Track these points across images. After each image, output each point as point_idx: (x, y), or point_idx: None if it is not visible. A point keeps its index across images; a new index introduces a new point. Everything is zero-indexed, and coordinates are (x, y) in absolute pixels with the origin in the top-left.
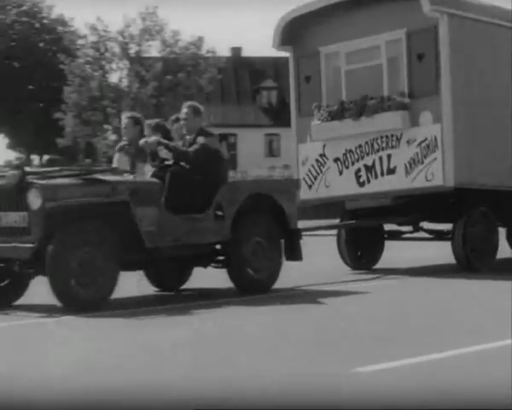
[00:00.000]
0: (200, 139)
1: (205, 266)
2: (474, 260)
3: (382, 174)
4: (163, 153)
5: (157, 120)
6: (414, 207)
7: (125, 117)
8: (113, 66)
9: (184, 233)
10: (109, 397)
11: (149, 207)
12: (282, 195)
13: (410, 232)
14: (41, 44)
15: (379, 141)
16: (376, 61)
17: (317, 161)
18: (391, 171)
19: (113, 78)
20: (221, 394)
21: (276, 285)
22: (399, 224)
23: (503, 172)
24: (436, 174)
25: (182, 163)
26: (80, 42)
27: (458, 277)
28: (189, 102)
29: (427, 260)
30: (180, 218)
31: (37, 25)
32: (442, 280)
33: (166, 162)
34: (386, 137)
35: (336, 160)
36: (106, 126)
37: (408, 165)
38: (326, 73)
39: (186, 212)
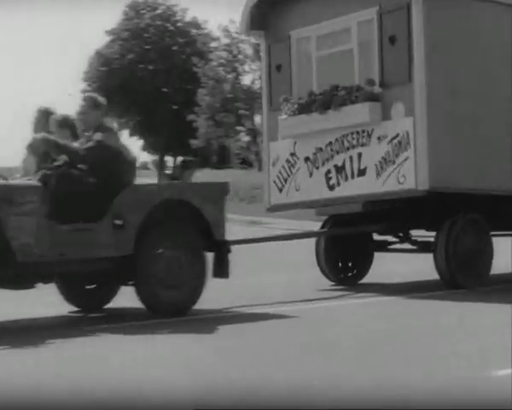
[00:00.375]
0: (97, 136)
1: (120, 284)
2: (459, 276)
3: (353, 176)
4: (54, 152)
5: (64, 115)
6: (393, 214)
7: (36, 110)
8: (246, 68)
9: (71, 246)
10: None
11: (26, 217)
12: (204, 201)
13: (399, 243)
14: (175, 47)
15: (349, 137)
16: (348, 45)
17: (288, 161)
18: (361, 172)
19: (246, 80)
20: None
21: (204, 306)
22: (380, 233)
23: (496, 174)
24: (408, 176)
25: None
26: (213, 44)
27: (438, 297)
28: (87, 94)
29: (421, 275)
30: (67, 228)
31: (171, 28)
32: (407, 301)
33: (56, 163)
34: (357, 132)
35: (306, 160)
36: (238, 128)
37: (379, 165)
38: (297, 60)
39: (76, 221)
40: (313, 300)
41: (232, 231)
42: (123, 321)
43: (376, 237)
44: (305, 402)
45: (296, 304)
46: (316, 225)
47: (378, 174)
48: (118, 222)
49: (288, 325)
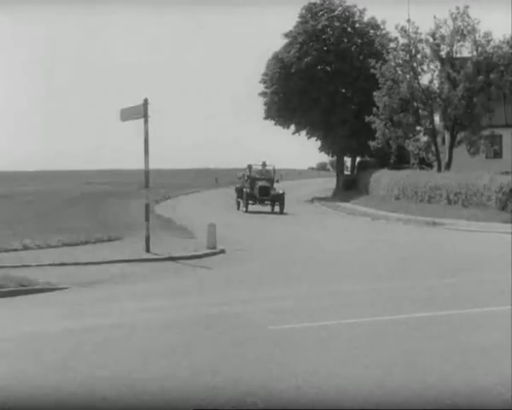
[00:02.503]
0: None
1: None
2: None
3: None
4: None
5: None
6: None
7: None
8: (424, 68)
9: None
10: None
11: None
12: None
13: None
14: (353, 48)
15: None
16: None
17: None
18: None
19: (424, 80)
20: None
21: None
22: None
23: None
24: None
25: None
26: (391, 45)
27: None
28: None
29: None
30: None
31: (349, 29)
32: None
33: None
34: None
35: None
36: (418, 128)
37: None
38: None
39: None
40: None
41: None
42: None
43: None
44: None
45: None
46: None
47: None
48: None
49: None
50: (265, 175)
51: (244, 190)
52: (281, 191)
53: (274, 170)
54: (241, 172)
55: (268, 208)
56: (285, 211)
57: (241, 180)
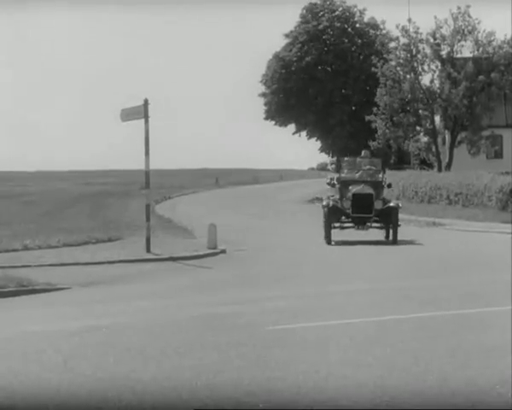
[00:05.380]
0: None
1: None
2: None
3: None
4: None
5: None
6: None
7: None
8: (425, 67)
9: None
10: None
11: None
12: None
13: None
14: (353, 49)
15: None
16: None
17: None
18: None
19: (425, 79)
20: None
21: None
22: None
23: None
24: None
25: None
26: (392, 45)
27: None
28: None
29: None
30: None
31: (350, 29)
32: None
33: None
34: None
35: None
36: (418, 128)
37: None
38: None
39: None
40: None
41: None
42: None
43: None
44: None
45: None
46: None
47: None
48: None
49: None
50: (366, 176)
51: (326, 202)
52: (392, 203)
53: (383, 168)
54: (330, 174)
55: (373, 234)
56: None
57: (331, 188)
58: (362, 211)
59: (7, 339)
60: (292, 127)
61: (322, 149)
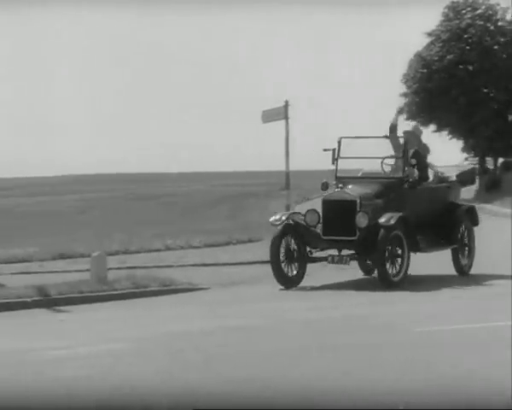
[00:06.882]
0: None
1: None
2: None
3: None
4: None
5: None
6: None
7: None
8: None
9: None
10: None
11: None
12: None
13: None
14: (495, 47)
15: None
16: None
17: None
18: None
19: None
20: None
21: None
22: None
23: None
24: None
25: None
26: None
27: None
28: None
29: None
30: None
31: (492, 27)
32: None
33: None
34: None
35: None
36: None
37: None
38: None
39: None
40: None
41: None
42: None
43: None
44: None
45: None
46: None
47: None
48: None
49: None
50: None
51: (279, 217)
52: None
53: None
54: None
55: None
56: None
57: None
58: (335, 231)
59: (151, 339)
60: (432, 127)
61: (464, 150)
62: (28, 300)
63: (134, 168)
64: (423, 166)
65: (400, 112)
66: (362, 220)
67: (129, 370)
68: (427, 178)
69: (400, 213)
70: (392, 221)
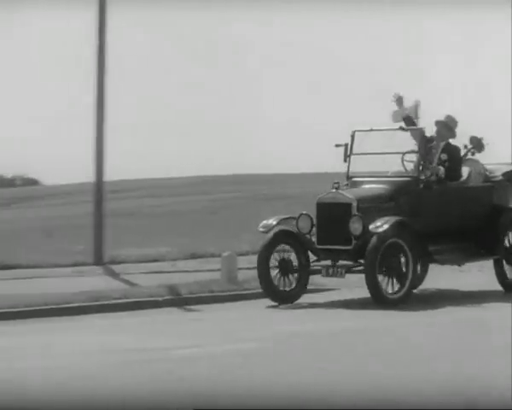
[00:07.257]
0: None
1: None
2: None
3: None
4: None
5: None
6: None
7: None
8: None
9: None
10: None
11: None
12: None
13: None
14: None
15: None
16: None
17: None
18: None
19: None
20: None
21: None
22: None
23: None
24: None
25: None
26: None
27: None
28: None
29: None
30: None
31: None
32: None
33: None
34: None
35: None
36: None
37: None
38: None
39: None
40: None
41: None
42: None
43: None
44: None
45: None
46: None
47: None
48: None
49: None
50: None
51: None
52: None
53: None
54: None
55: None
56: None
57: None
58: (329, 239)
59: (265, 339)
60: None
61: None
62: (159, 299)
63: (254, 170)
64: (456, 162)
65: (399, 100)
66: (356, 226)
67: (258, 369)
68: (460, 176)
69: (398, 218)
70: (386, 226)
